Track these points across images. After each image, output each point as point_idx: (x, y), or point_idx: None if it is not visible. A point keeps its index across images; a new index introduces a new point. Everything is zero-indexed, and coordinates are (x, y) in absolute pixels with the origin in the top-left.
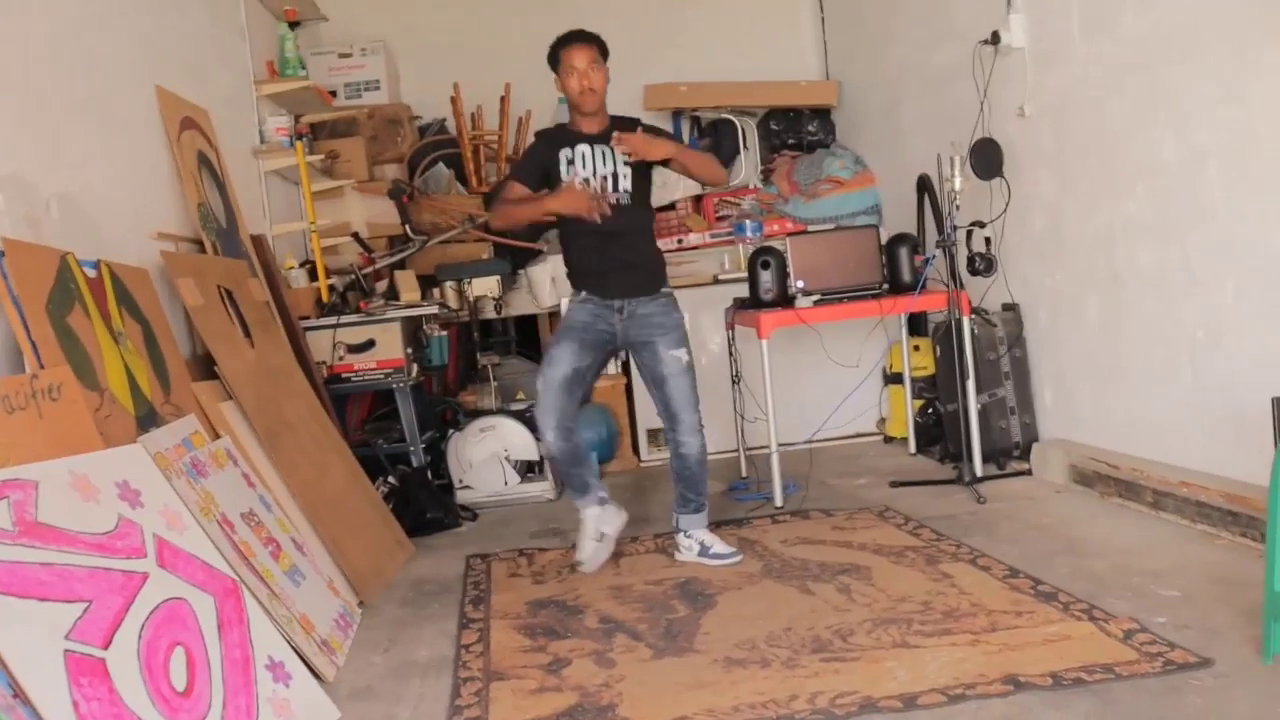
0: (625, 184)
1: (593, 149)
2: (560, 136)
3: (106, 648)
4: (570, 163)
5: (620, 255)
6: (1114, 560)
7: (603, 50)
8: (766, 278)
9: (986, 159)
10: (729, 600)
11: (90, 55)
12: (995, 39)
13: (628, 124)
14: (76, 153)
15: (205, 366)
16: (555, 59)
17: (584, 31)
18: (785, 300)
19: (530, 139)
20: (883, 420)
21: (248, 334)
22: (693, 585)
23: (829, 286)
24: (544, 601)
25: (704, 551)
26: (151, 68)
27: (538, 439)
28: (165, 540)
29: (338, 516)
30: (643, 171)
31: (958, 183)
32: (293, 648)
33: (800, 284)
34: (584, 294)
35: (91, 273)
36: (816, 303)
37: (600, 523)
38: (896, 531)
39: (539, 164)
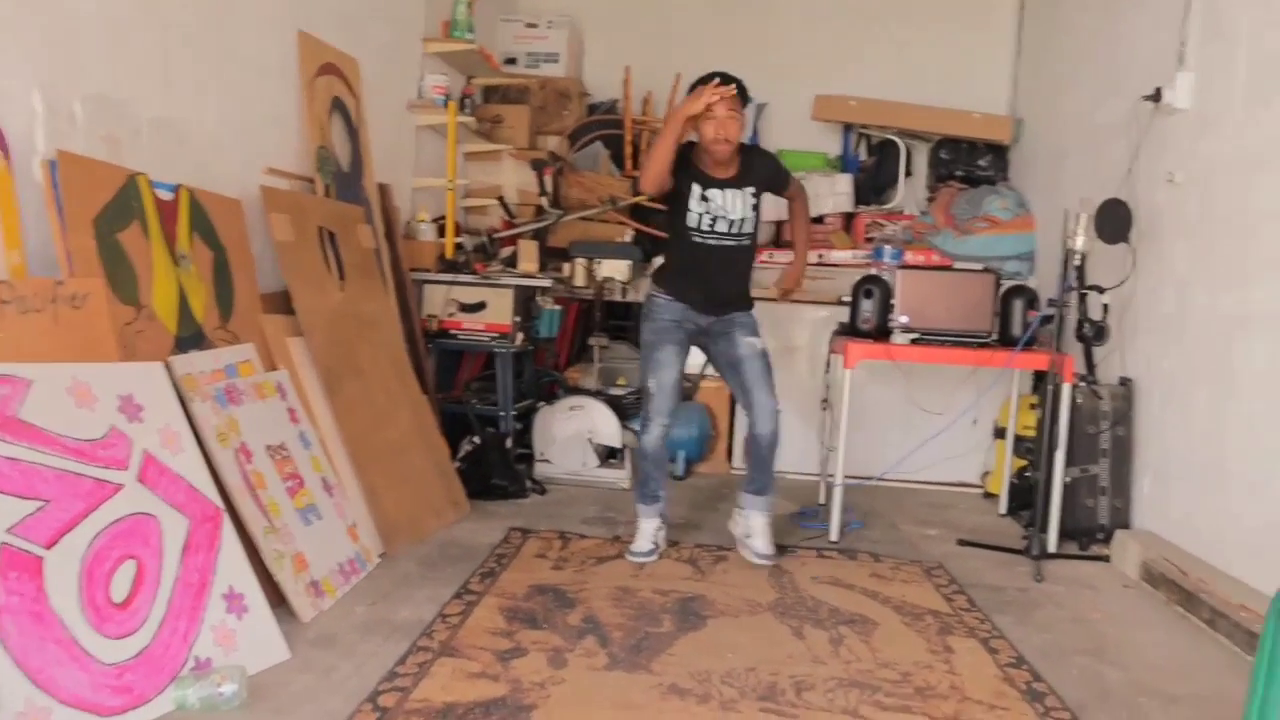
0: (749, 227)
1: (723, 192)
2: (695, 167)
3: (49, 547)
4: (703, 199)
5: (725, 287)
6: (1134, 674)
7: (743, 96)
8: (867, 307)
9: (1112, 222)
10: (718, 626)
11: None
12: (1157, 96)
13: (759, 156)
14: (189, 82)
15: (291, 303)
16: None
17: (726, 76)
18: (883, 333)
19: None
20: (987, 474)
21: (343, 277)
22: (695, 604)
23: (933, 327)
24: (546, 588)
25: (747, 536)
26: (299, 12)
27: (639, 432)
28: (154, 457)
29: (386, 467)
30: (757, 207)
31: (1080, 242)
32: (275, 583)
33: (904, 319)
34: (674, 299)
35: (166, 195)
36: (914, 341)
37: (658, 537)
38: (932, 592)
39: (678, 161)
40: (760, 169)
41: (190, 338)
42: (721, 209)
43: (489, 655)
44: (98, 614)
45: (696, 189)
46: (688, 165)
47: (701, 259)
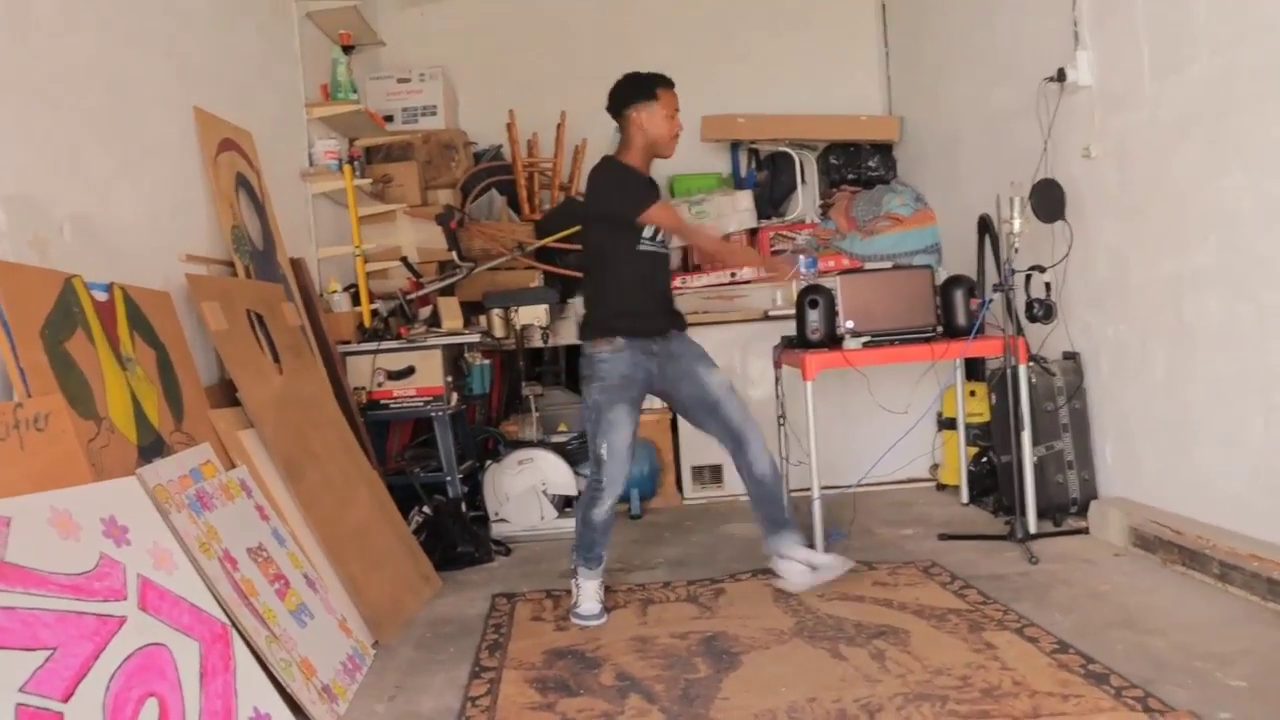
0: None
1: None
2: (643, 184)
3: (67, 700)
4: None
5: (661, 297)
6: (1176, 639)
7: None
8: (814, 317)
9: (1048, 201)
10: (754, 661)
11: (122, 74)
12: (1061, 77)
13: None
14: (99, 173)
15: (231, 393)
16: (650, 94)
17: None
18: (833, 340)
19: (592, 163)
20: (935, 466)
21: (277, 360)
22: (719, 641)
23: (880, 328)
24: (562, 651)
25: (813, 567)
26: (190, 88)
27: (589, 502)
28: (150, 581)
29: (359, 551)
30: None
31: (1017, 224)
32: (289, 695)
33: (849, 324)
34: (620, 340)
35: (102, 296)
36: (866, 344)
37: (600, 592)
38: (941, 591)
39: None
40: None
41: (151, 445)
42: None
43: None
44: None
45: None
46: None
47: (649, 272)
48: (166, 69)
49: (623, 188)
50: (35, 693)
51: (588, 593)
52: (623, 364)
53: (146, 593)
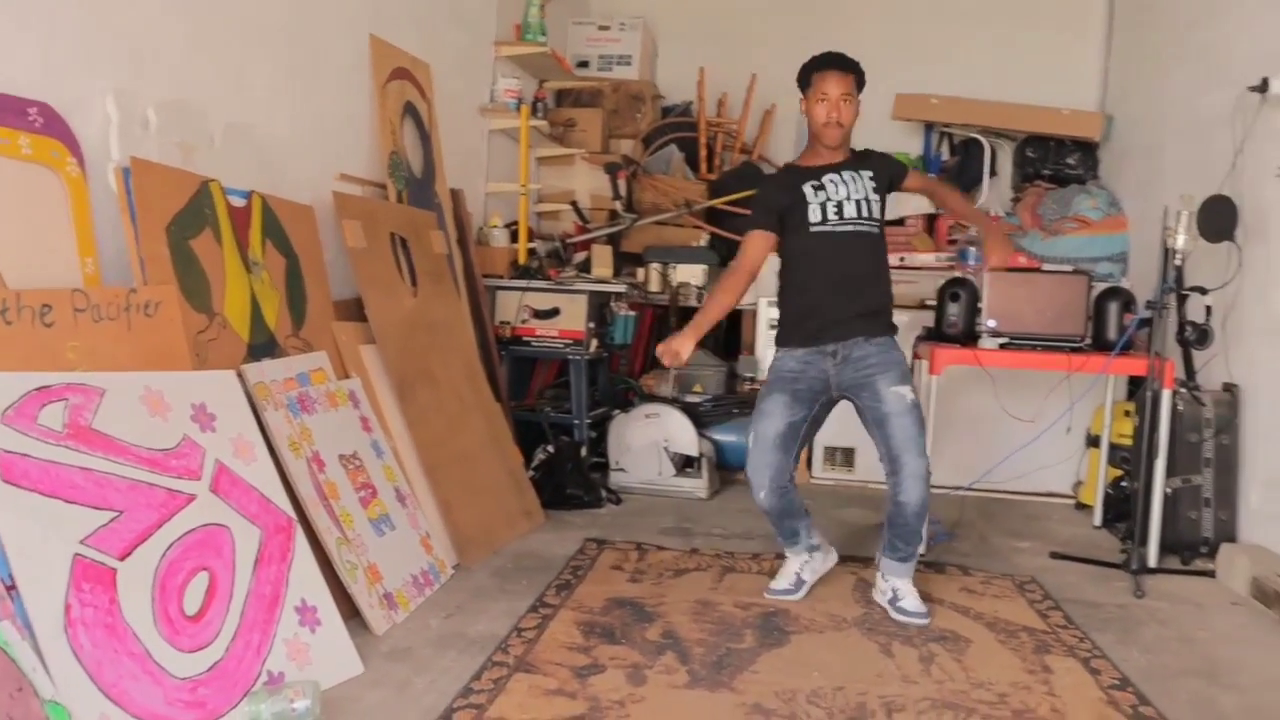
0: (876, 211)
1: (840, 174)
2: (797, 174)
3: (123, 559)
4: (819, 189)
5: (859, 291)
6: (1253, 698)
7: (860, 81)
8: (954, 310)
9: (1217, 219)
10: (802, 643)
11: None
12: (1264, 86)
13: (870, 152)
14: (262, 88)
15: (363, 309)
16: (806, 81)
17: (843, 57)
18: (970, 337)
19: (779, 130)
20: (1079, 484)
21: (415, 283)
22: (778, 619)
23: (1022, 331)
24: (624, 601)
25: (894, 600)
26: (372, 16)
27: (753, 495)
28: (226, 468)
29: (459, 476)
30: (880, 193)
31: (1181, 241)
32: (348, 595)
33: (991, 323)
34: (793, 346)
35: (239, 202)
36: (1003, 346)
37: (804, 570)
38: (1026, 608)
39: (775, 207)
40: (875, 161)
41: (263, 345)
42: (842, 192)
43: (566, 671)
44: (171, 627)
45: (809, 188)
46: (792, 183)
47: (827, 256)
48: None
49: (752, 204)
50: (94, 547)
51: (784, 570)
52: (792, 360)
53: (220, 477)
